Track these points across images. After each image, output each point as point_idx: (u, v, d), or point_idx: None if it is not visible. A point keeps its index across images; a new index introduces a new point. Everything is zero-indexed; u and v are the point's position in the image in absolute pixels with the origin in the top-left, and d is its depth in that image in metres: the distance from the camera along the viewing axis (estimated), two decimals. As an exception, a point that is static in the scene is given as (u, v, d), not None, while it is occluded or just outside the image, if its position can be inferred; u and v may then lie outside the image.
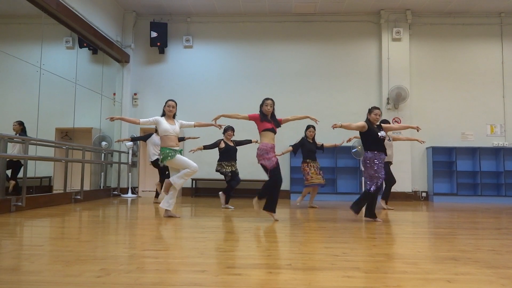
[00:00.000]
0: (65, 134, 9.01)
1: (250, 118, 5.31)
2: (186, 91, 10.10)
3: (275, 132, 5.31)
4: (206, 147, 7.02)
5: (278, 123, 5.39)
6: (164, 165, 5.93)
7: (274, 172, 5.16)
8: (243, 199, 8.50)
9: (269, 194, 5.26)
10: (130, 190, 9.52)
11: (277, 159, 5.26)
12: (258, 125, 5.29)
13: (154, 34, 9.89)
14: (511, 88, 9.78)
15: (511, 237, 4.28)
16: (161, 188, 7.49)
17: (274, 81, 10.03)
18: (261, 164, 5.21)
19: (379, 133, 5.26)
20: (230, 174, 6.91)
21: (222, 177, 7.07)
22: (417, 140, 7.29)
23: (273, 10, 9.91)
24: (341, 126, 5.16)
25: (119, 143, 9.80)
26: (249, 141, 7.34)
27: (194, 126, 5.78)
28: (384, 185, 7.16)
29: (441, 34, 9.97)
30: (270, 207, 5.25)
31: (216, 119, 5.53)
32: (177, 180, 5.36)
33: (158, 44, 9.95)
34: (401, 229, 4.79)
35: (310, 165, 7.25)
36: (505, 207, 8.07)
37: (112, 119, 5.55)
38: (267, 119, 5.28)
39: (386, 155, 5.34)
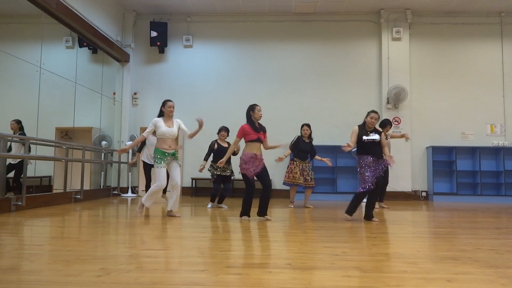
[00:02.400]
0: (65, 134, 9.02)
1: (241, 136, 5.24)
2: (186, 91, 10.10)
3: (261, 141, 5.25)
4: (207, 158, 6.95)
5: (264, 131, 5.34)
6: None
7: (249, 182, 5.21)
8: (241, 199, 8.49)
9: (249, 204, 5.28)
10: (130, 190, 9.53)
11: (262, 166, 5.20)
12: (246, 136, 5.22)
13: (154, 34, 9.88)
14: (511, 87, 9.78)
15: (511, 236, 4.28)
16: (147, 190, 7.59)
17: (274, 81, 10.03)
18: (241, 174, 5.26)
19: (363, 137, 5.26)
20: (215, 176, 6.87)
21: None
22: (404, 136, 7.25)
23: (273, 9, 9.91)
24: (351, 147, 5.24)
25: (120, 143, 9.80)
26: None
27: (189, 136, 5.60)
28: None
29: (441, 33, 9.96)
30: (262, 212, 5.29)
31: (220, 163, 5.48)
32: (147, 202, 5.44)
33: (158, 43, 9.94)
34: (401, 229, 4.79)
35: (296, 164, 7.18)
36: (505, 206, 8.07)
37: (123, 151, 5.56)
38: (255, 129, 5.21)
39: (373, 157, 5.24)
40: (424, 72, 9.91)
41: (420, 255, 3.22)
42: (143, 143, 7.57)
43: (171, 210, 5.50)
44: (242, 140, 5.29)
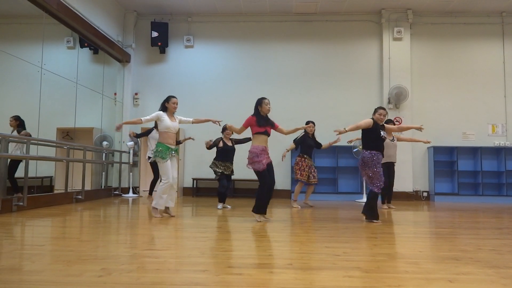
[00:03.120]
0: (66, 134, 9.03)
1: (246, 126, 5.22)
2: (187, 91, 10.10)
3: (268, 135, 5.23)
4: (211, 147, 6.94)
5: (273, 124, 5.32)
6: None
7: (263, 175, 5.11)
8: (243, 199, 8.49)
9: (263, 200, 5.20)
10: (131, 190, 9.53)
11: (270, 161, 5.19)
12: (253, 128, 5.19)
13: (155, 34, 9.89)
14: (513, 87, 9.77)
15: (513, 236, 4.27)
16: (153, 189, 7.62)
17: (275, 81, 10.03)
18: (252, 168, 5.16)
19: (382, 132, 5.26)
20: (219, 174, 6.84)
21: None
22: (421, 141, 7.26)
23: (274, 9, 9.91)
24: (345, 131, 5.13)
25: (120, 143, 9.81)
26: (249, 139, 7.17)
27: (192, 122, 5.77)
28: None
29: (442, 33, 9.95)
30: (261, 209, 5.22)
31: (216, 121, 5.81)
32: (159, 205, 5.35)
33: (159, 44, 9.95)
34: (402, 229, 4.79)
35: (305, 160, 7.19)
36: (506, 206, 8.06)
37: (118, 128, 5.43)
38: (263, 122, 5.16)
39: (383, 155, 5.31)
40: (425, 72, 9.90)
41: (421, 255, 3.22)
42: (148, 135, 7.76)
43: (168, 207, 5.50)
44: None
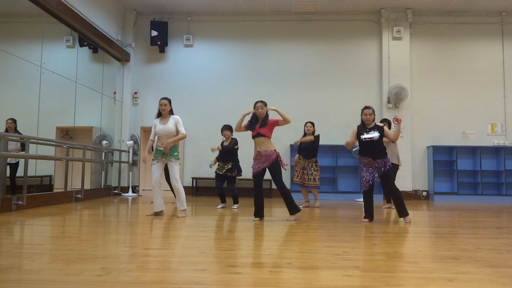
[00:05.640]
0: (65, 133, 9.02)
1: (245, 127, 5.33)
2: (187, 90, 10.10)
3: (261, 135, 5.11)
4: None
5: (264, 123, 5.14)
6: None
7: (253, 180, 5.25)
8: (243, 198, 8.49)
9: (255, 204, 5.26)
10: (130, 189, 9.53)
11: (261, 169, 5.10)
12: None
13: (154, 33, 9.88)
14: (512, 87, 9.78)
15: (512, 236, 4.27)
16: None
17: (274, 80, 10.03)
18: None
19: (361, 136, 5.19)
20: (215, 175, 6.90)
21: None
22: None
23: (273, 9, 9.90)
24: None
25: (120, 142, 9.80)
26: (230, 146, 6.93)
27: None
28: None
29: (441, 33, 9.96)
30: (255, 213, 5.27)
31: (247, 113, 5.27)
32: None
33: (159, 43, 9.94)
34: (401, 228, 4.79)
35: (299, 161, 7.16)
36: (505, 206, 8.07)
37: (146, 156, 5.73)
38: (253, 126, 5.18)
39: (372, 157, 5.15)
40: (424, 71, 9.90)
41: (420, 254, 3.22)
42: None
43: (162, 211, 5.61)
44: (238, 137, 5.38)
